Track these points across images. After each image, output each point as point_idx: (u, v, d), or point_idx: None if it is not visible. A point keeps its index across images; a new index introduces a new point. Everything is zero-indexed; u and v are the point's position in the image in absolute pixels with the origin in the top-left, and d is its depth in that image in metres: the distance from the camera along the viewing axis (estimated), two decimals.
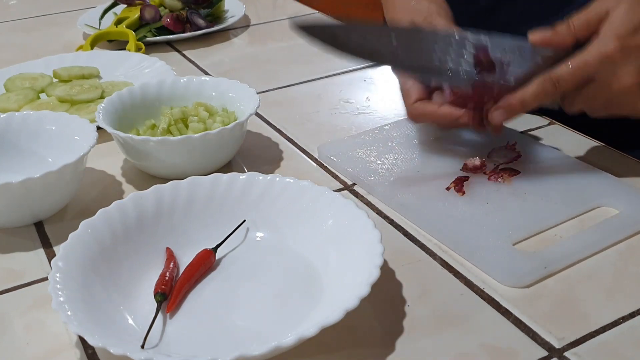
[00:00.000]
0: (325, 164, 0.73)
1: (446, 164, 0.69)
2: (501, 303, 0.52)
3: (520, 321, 0.50)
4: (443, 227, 0.60)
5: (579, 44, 0.59)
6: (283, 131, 0.81)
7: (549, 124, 0.78)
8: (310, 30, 0.59)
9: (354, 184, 0.69)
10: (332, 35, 0.59)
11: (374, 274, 0.48)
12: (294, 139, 0.79)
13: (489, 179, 0.65)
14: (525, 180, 0.65)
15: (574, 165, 0.68)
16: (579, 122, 0.77)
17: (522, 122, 0.77)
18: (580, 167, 0.68)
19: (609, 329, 0.49)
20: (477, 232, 0.59)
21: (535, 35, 0.61)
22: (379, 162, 0.70)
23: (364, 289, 0.47)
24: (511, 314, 0.51)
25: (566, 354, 0.47)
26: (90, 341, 0.44)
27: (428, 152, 0.72)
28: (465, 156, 0.69)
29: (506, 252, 0.56)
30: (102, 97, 0.86)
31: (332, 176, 0.71)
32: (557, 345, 0.48)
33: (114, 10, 1.19)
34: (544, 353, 0.48)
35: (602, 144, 0.73)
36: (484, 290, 0.54)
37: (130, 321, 0.50)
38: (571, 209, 0.62)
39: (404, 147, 0.72)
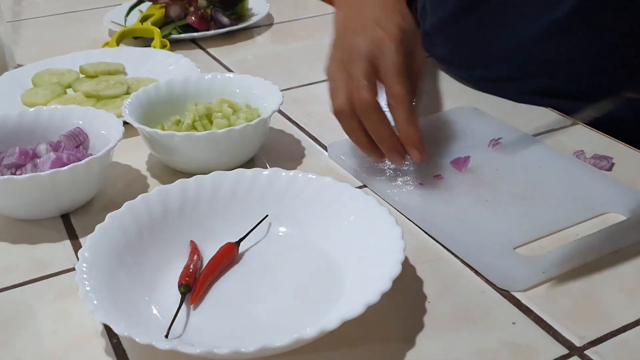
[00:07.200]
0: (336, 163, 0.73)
1: (452, 167, 0.69)
2: (522, 301, 0.52)
3: (541, 319, 0.50)
4: (445, 229, 0.60)
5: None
6: (305, 128, 0.81)
7: (572, 124, 0.78)
8: None
9: None
10: None
11: (395, 269, 0.48)
12: (316, 137, 0.79)
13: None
14: (529, 183, 0.65)
15: (580, 169, 0.67)
16: (602, 123, 0.76)
17: (545, 123, 0.77)
18: (587, 170, 0.67)
19: (630, 328, 0.49)
20: (478, 234, 0.58)
21: None
22: (386, 162, 0.70)
23: (385, 284, 0.47)
24: (532, 311, 0.51)
25: (587, 352, 0.47)
26: (116, 330, 0.45)
27: (434, 153, 0.71)
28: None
29: (506, 256, 0.56)
30: (127, 93, 0.87)
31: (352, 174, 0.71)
32: (577, 343, 0.48)
33: (139, 7, 1.20)
34: (565, 351, 0.48)
35: (623, 144, 0.73)
36: (505, 288, 0.54)
37: (155, 312, 0.51)
38: (576, 215, 0.61)
39: None
